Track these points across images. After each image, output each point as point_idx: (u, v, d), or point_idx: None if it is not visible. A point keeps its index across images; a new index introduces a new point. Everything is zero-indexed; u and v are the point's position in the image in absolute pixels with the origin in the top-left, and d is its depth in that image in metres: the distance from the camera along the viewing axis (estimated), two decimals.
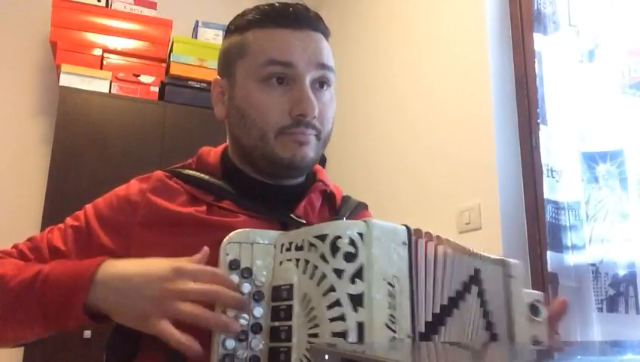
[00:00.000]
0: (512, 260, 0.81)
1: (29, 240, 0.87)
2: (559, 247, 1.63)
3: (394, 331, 0.63)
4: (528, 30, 1.88)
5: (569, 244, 1.63)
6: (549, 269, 1.62)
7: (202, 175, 0.89)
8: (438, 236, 0.72)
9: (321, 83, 0.87)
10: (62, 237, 0.85)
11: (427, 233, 0.71)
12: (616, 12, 1.60)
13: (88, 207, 0.89)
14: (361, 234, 0.65)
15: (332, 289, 0.63)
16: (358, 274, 0.64)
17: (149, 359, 0.78)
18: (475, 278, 0.74)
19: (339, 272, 0.64)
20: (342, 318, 0.62)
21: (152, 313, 0.67)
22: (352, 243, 0.65)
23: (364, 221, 0.66)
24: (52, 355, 2.15)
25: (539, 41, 1.78)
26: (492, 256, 0.78)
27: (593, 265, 1.55)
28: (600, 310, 1.52)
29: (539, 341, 0.78)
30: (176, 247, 0.80)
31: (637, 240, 1.47)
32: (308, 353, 0.63)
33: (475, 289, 0.73)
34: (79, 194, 2.36)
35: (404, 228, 0.69)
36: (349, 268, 0.64)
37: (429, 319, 0.67)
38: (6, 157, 2.74)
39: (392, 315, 0.63)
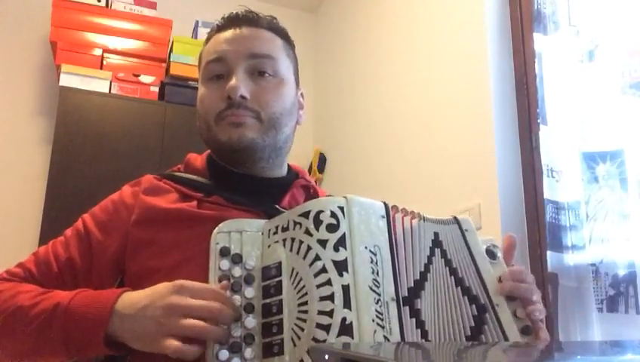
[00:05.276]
0: (462, 216, 0.85)
1: (34, 255, 0.91)
2: (559, 247, 1.63)
3: (378, 294, 0.66)
4: (528, 30, 1.88)
5: (569, 244, 1.63)
6: (549, 269, 1.62)
7: (191, 176, 0.95)
8: (412, 211, 0.77)
9: (260, 71, 0.93)
10: (65, 247, 0.90)
11: (403, 208, 0.76)
12: (616, 12, 1.60)
13: (85, 215, 0.94)
14: (341, 208, 0.69)
15: (317, 258, 0.67)
16: (341, 243, 0.67)
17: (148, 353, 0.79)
18: (436, 242, 0.78)
19: (323, 243, 0.67)
20: (328, 283, 0.65)
21: (157, 332, 0.69)
22: (334, 215, 0.69)
23: (344, 197, 0.71)
24: None
25: (539, 41, 1.78)
26: (444, 218, 0.83)
27: (593, 265, 1.55)
28: (600, 310, 1.51)
29: (502, 280, 0.79)
30: (169, 241, 0.84)
31: (637, 240, 1.47)
32: (299, 322, 0.65)
33: (438, 251, 0.78)
34: (79, 194, 2.36)
35: (382, 203, 0.73)
36: (332, 238, 0.67)
37: (411, 285, 0.71)
38: (6, 158, 2.74)
39: (375, 279, 0.67)
